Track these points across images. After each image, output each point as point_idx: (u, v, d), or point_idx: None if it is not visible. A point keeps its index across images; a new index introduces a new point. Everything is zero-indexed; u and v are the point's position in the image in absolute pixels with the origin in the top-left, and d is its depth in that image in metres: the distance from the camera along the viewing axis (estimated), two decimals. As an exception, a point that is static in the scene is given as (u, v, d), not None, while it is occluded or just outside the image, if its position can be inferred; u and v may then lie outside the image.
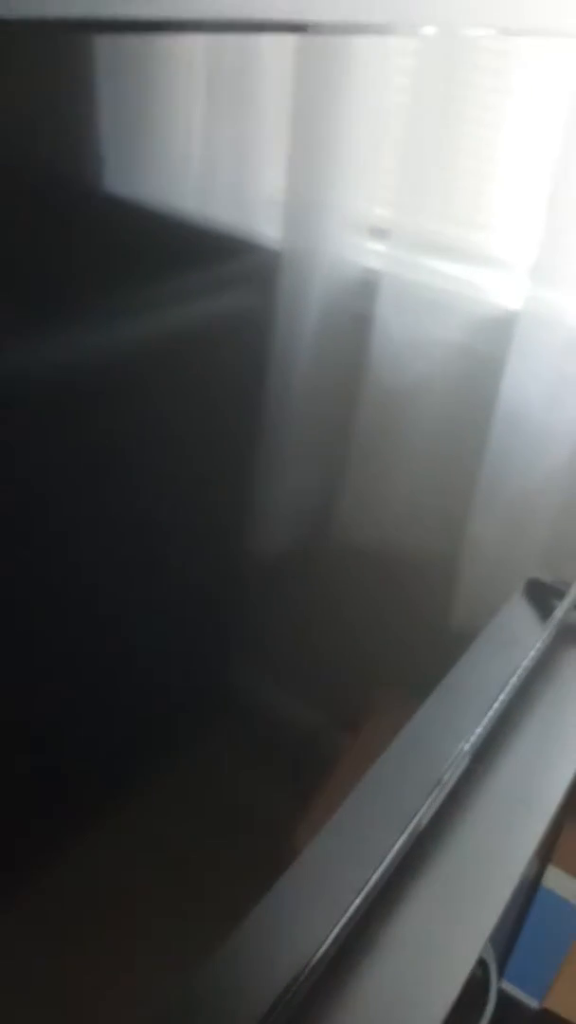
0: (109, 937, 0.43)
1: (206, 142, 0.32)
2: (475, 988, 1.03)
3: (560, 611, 0.97)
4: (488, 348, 0.65)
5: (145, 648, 0.38)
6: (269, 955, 0.60)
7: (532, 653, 0.93)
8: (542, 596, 0.95)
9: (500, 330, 0.65)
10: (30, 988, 0.39)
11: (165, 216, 0.31)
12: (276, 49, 0.33)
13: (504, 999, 1.42)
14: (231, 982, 0.57)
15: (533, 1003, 1.42)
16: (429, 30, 0.42)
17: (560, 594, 0.97)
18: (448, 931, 0.73)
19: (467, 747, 0.82)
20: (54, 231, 0.27)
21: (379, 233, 0.46)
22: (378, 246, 0.46)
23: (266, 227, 0.37)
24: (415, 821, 0.74)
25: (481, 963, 1.03)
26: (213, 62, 0.31)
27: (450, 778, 0.80)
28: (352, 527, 0.54)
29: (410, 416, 0.56)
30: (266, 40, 0.32)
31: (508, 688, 0.89)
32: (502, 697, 0.88)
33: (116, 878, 0.42)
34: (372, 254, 0.46)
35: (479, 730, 0.84)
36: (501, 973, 1.39)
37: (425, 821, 0.76)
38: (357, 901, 0.68)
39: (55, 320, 0.28)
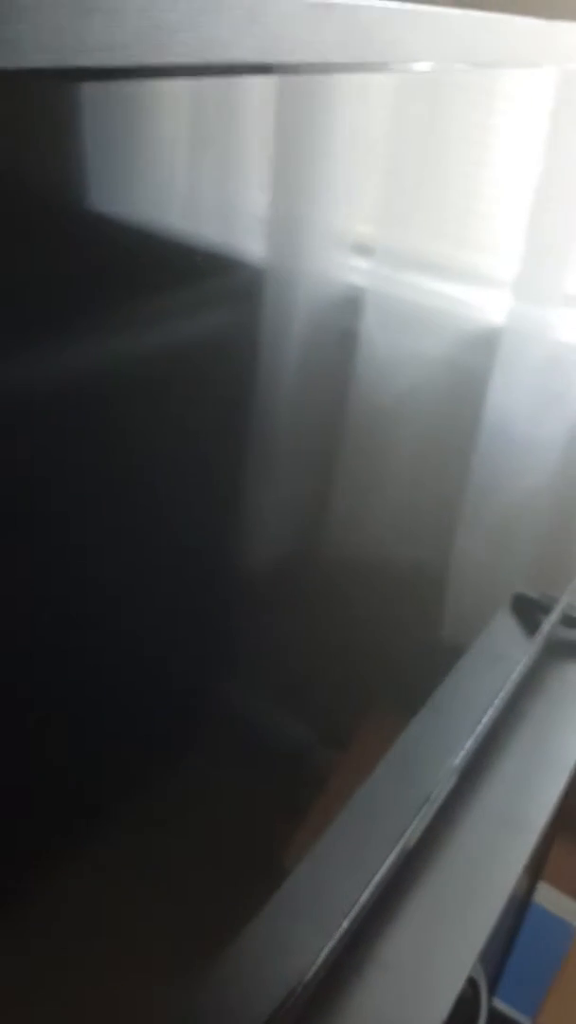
0: (95, 956, 0.43)
1: (192, 164, 0.32)
2: (466, 1007, 1.03)
3: (546, 626, 0.97)
4: (473, 364, 0.65)
5: (131, 663, 0.38)
6: (259, 975, 0.60)
7: (519, 668, 0.94)
8: (528, 611, 0.95)
9: (485, 346, 0.65)
10: (22, 1009, 0.38)
11: (151, 236, 0.31)
12: (261, 82, 0.34)
13: (496, 1017, 1.41)
14: (221, 1003, 0.56)
15: (525, 1021, 1.41)
16: (417, 64, 0.43)
17: (546, 609, 0.98)
18: (438, 950, 0.72)
19: (456, 763, 0.81)
20: (47, 253, 0.27)
21: (364, 250, 0.46)
22: (363, 263, 0.46)
23: (251, 245, 0.37)
24: (404, 839, 0.74)
25: (471, 981, 1.02)
26: (201, 91, 0.31)
27: (439, 795, 0.79)
28: (338, 543, 0.54)
29: (395, 432, 0.56)
30: (251, 74, 0.33)
31: (496, 704, 0.89)
32: (491, 713, 0.88)
33: (102, 898, 0.42)
34: (357, 271, 0.46)
35: (468, 746, 0.83)
36: (492, 991, 1.38)
37: (415, 839, 0.76)
38: (347, 921, 0.67)
39: (46, 338, 0.28)
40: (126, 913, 0.44)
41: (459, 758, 0.82)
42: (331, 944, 0.66)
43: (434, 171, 0.50)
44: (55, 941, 0.39)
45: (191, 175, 0.33)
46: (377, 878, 0.71)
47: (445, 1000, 0.69)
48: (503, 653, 0.91)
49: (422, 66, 0.45)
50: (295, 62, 0.35)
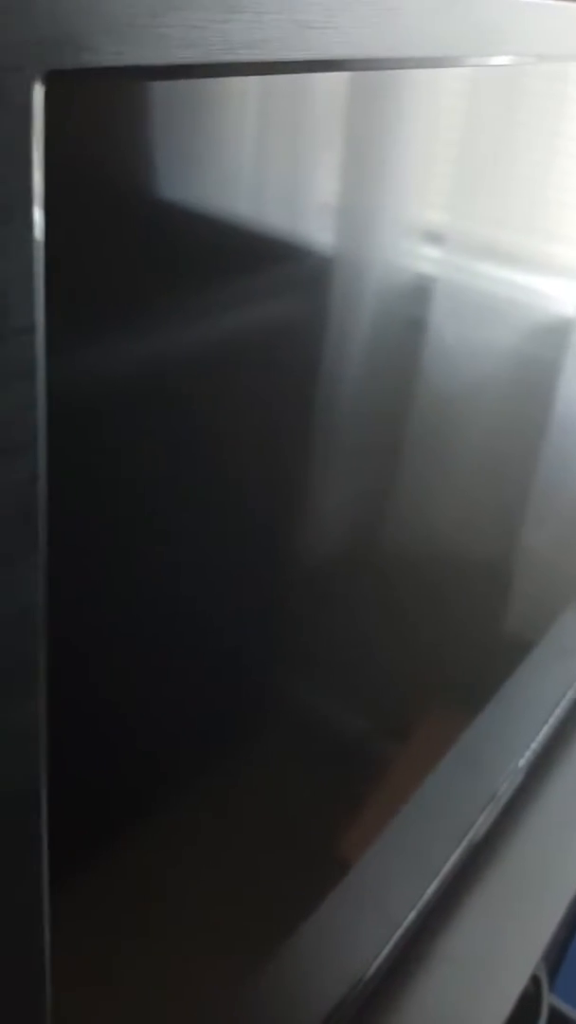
0: (157, 951, 0.43)
1: (263, 152, 0.32)
2: (526, 1003, 1.02)
3: (616, 623, 0.96)
4: (543, 355, 0.64)
5: (192, 655, 0.38)
6: (322, 969, 0.60)
7: (588, 666, 0.92)
8: (598, 608, 0.94)
9: (556, 337, 0.64)
10: (79, 1002, 0.39)
11: (222, 224, 0.32)
12: (330, 75, 0.34)
13: (553, 1014, 1.40)
14: (284, 996, 0.57)
15: (583, 1019, 1.40)
16: (521, 55, 0.42)
17: (616, 606, 0.96)
18: (502, 946, 0.72)
19: (522, 763, 0.81)
20: (127, 241, 0.28)
21: (434, 238, 0.46)
22: (433, 252, 0.46)
23: (321, 233, 0.37)
24: (470, 835, 0.74)
25: (534, 978, 1.02)
26: (273, 81, 0.31)
27: (505, 792, 0.79)
28: (404, 536, 0.54)
29: (463, 424, 0.55)
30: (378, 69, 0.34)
31: (564, 701, 0.88)
32: (558, 711, 0.87)
33: (164, 892, 0.42)
34: (427, 259, 0.45)
35: (534, 745, 0.83)
36: (551, 988, 1.37)
37: (480, 835, 0.76)
38: (411, 915, 0.67)
39: (123, 325, 0.28)
40: (190, 905, 0.45)
41: (526, 757, 0.81)
42: (396, 936, 0.66)
43: (512, 160, 0.49)
44: (98, 937, 0.40)
45: (263, 154, 0.33)
46: (443, 872, 0.70)
47: (509, 995, 0.69)
48: (571, 649, 0.90)
49: (522, 57, 0.44)
50: (421, 56, 0.35)
